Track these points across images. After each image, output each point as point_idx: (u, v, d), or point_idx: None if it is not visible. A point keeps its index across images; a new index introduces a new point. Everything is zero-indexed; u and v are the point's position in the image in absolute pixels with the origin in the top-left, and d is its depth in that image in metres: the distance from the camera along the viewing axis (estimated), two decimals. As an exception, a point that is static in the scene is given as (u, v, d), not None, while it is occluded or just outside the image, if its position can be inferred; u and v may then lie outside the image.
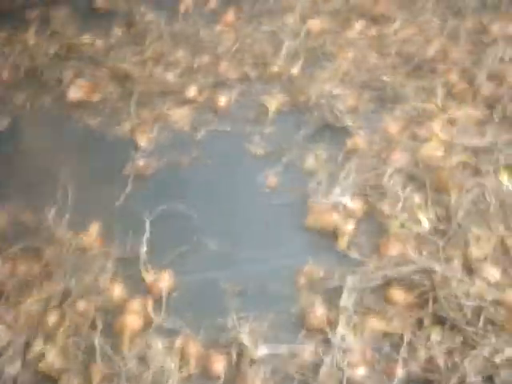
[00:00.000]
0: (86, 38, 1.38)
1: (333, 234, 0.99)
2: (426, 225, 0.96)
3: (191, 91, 1.24)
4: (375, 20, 1.35)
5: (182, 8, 1.42)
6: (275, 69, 1.27)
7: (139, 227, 0.99)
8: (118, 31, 1.40)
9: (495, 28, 1.24)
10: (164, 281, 0.94)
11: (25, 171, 1.17)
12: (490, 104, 1.11)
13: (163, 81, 1.26)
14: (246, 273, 0.97)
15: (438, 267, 0.85)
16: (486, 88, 1.14)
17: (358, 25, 1.34)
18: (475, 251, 0.89)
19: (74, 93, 1.26)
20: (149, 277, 0.95)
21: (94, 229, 1.03)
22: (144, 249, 0.97)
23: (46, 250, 0.99)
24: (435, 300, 0.83)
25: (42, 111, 1.28)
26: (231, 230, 1.04)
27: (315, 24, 1.34)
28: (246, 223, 1.05)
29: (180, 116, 1.21)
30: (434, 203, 0.97)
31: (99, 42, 1.37)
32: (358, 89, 1.19)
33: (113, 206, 1.07)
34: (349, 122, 1.14)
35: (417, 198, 0.99)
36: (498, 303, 0.80)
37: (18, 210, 1.07)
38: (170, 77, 1.27)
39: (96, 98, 1.27)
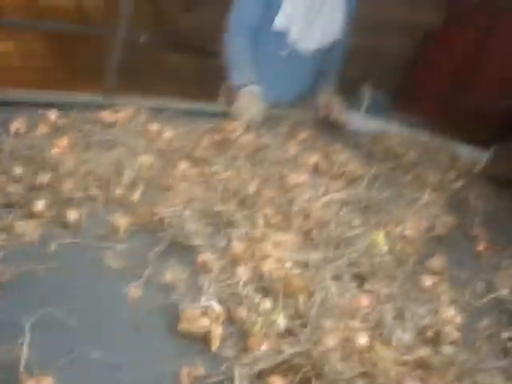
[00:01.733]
0: None
1: (204, 338, 1.08)
2: (281, 325, 1.13)
3: (38, 205, 1.23)
4: (197, 162, 1.57)
5: (15, 127, 1.43)
6: (119, 192, 1.36)
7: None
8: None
9: (292, 177, 1.58)
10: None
11: None
12: (303, 231, 1.40)
13: (7, 193, 1.23)
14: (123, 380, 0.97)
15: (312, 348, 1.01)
16: (298, 220, 1.43)
17: (182, 164, 1.54)
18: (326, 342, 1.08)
19: None
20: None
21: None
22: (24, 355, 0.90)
23: None
24: (318, 377, 0.98)
25: None
26: (103, 337, 1.03)
27: (147, 159, 1.49)
28: (116, 331, 1.06)
29: (28, 229, 1.18)
30: (285, 306, 1.16)
31: None
32: (198, 214, 1.36)
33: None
34: (197, 241, 1.28)
35: (268, 303, 1.16)
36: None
37: None
38: (13, 189, 1.24)
39: None
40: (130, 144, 1.53)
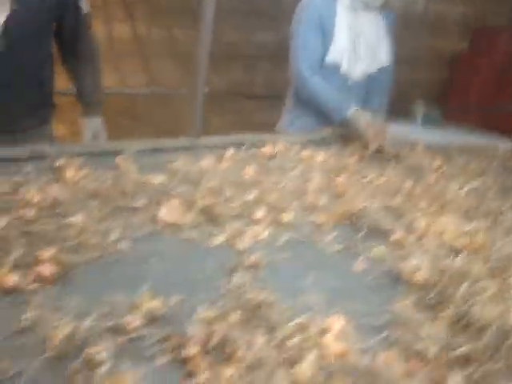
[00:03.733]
0: None
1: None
2: None
3: (259, 213, 1.52)
4: (352, 173, 1.87)
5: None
6: (310, 199, 1.65)
7: None
8: None
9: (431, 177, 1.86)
10: None
11: None
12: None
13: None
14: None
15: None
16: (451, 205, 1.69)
17: (341, 177, 1.84)
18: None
19: None
20: None
21: None
22: None
23: None
24: None
25: None
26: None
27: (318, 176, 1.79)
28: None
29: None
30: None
31: None
32: (380, 207, 1.64)
33: None
34: (388, 226, 1.55)
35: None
36: None
37: None
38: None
39: None
40: (296, 168, 1.83)
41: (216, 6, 2.01)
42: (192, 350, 1.03)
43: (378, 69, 2.46)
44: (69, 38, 2.10)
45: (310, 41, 2.27)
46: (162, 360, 1.02)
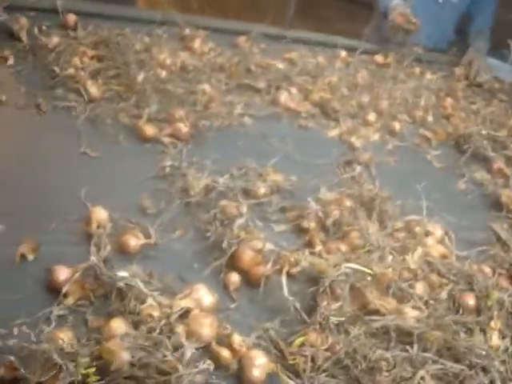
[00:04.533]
0: None
1: None
2: None
3: (371, 116, 1.57)
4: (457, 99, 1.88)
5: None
6: (419, 113, 1.68)
7: None
8: None
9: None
10: None
11: None
12: None
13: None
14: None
15: None
16: None
17: (448, 100, 1.85)
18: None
19: None
20: None
21: None
22: None
23: None
24: None
25: None
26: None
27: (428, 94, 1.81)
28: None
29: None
30: None
31: None
32: (484, 135, 1.66)
33: None
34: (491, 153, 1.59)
35: None
36: None
37: None
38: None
39: None
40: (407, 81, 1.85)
41: None
42: (311, 223, 1.13)
43: None
44: None
45: None
46: (284, 227, 1.12)
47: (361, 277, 0.96)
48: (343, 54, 1.90)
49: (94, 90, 1.32)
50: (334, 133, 1.47)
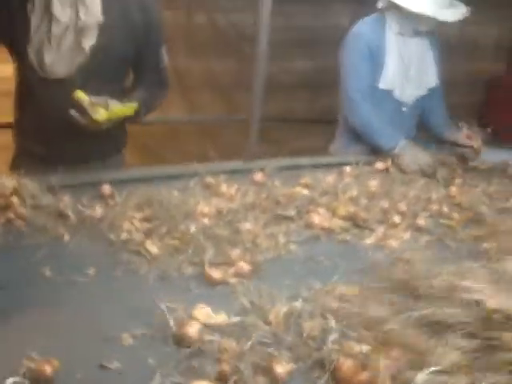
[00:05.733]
0: None
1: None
2: None
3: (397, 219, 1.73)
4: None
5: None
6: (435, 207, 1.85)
7: None
8: None
9: None
10: None
11: None
12: None
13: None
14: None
15: None
16: None
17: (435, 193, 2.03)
18: None
19: None
20: None
21: None
22: None
23: None
24: None
25: None
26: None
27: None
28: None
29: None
30: None
31: None
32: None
33: None
34: None
35: None
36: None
37: None
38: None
39: None
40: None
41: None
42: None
43: (428, 89, 2.51)
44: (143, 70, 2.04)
45: (360, 69, 2.33)
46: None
47: None
48: (348, 169, 2.10)
49: (153, 248, 1.45)
50: (371, 240, 1.61)
